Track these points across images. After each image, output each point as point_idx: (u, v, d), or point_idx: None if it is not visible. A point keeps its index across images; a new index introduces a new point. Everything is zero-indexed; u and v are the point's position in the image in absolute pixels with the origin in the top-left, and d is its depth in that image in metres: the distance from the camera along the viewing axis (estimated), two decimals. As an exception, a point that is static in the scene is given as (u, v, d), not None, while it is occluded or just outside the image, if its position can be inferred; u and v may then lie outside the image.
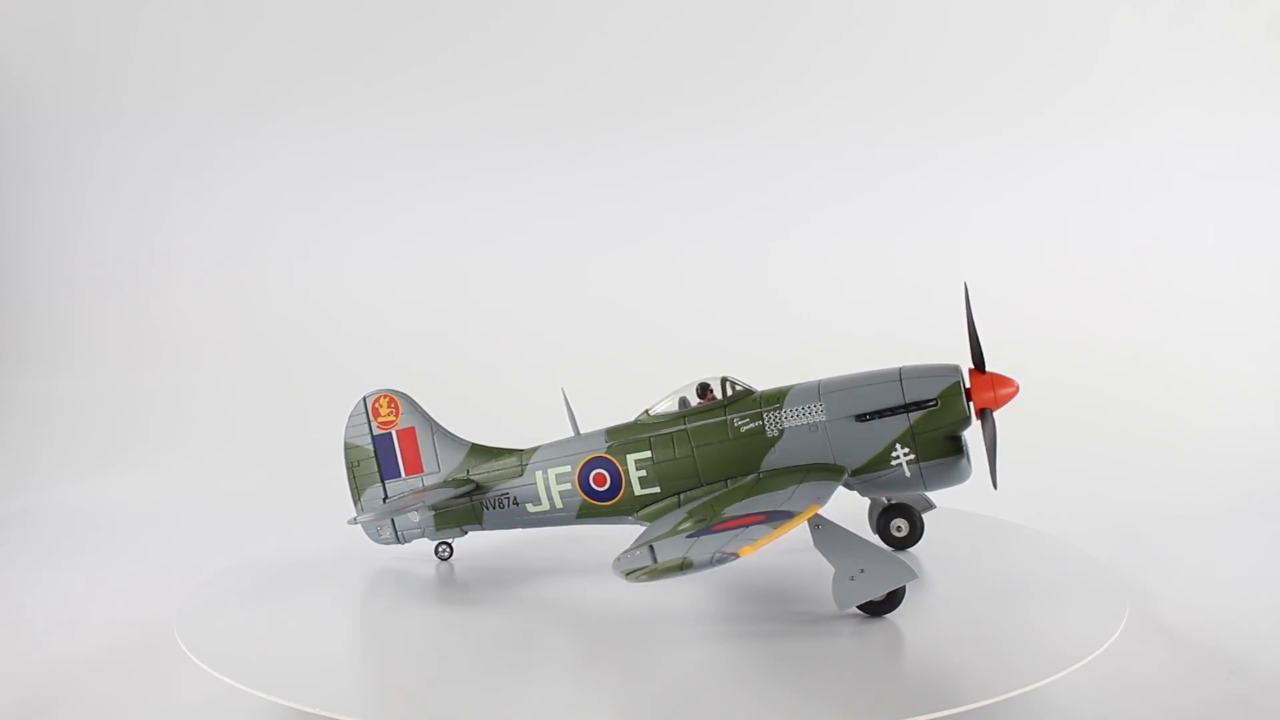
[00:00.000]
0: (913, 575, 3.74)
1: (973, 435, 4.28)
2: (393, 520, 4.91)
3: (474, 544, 5.14)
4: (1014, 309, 8.45)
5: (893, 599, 3.83)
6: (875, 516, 4.78)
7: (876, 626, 3.86)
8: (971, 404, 4.14)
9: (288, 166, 9.15)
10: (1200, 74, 8.67)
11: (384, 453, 5.10)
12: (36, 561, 6.39)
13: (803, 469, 4.21)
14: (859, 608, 3.77)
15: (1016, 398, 4.15)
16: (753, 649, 3.68)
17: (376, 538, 5.00)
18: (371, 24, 9.13)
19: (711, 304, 8.65)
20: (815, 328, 8.33)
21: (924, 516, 4.70)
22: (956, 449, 4.14)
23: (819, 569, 4.60)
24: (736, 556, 3.22)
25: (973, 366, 4.20)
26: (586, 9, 9.08)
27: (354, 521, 4.75)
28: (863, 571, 3.74)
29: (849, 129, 8.94)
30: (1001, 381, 4.16)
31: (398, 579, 4.78)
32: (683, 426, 4.41)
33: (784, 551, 4.85)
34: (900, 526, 4.67)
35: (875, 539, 4.69)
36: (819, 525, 3.86)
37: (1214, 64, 8.63)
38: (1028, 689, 3.25)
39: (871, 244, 8.80)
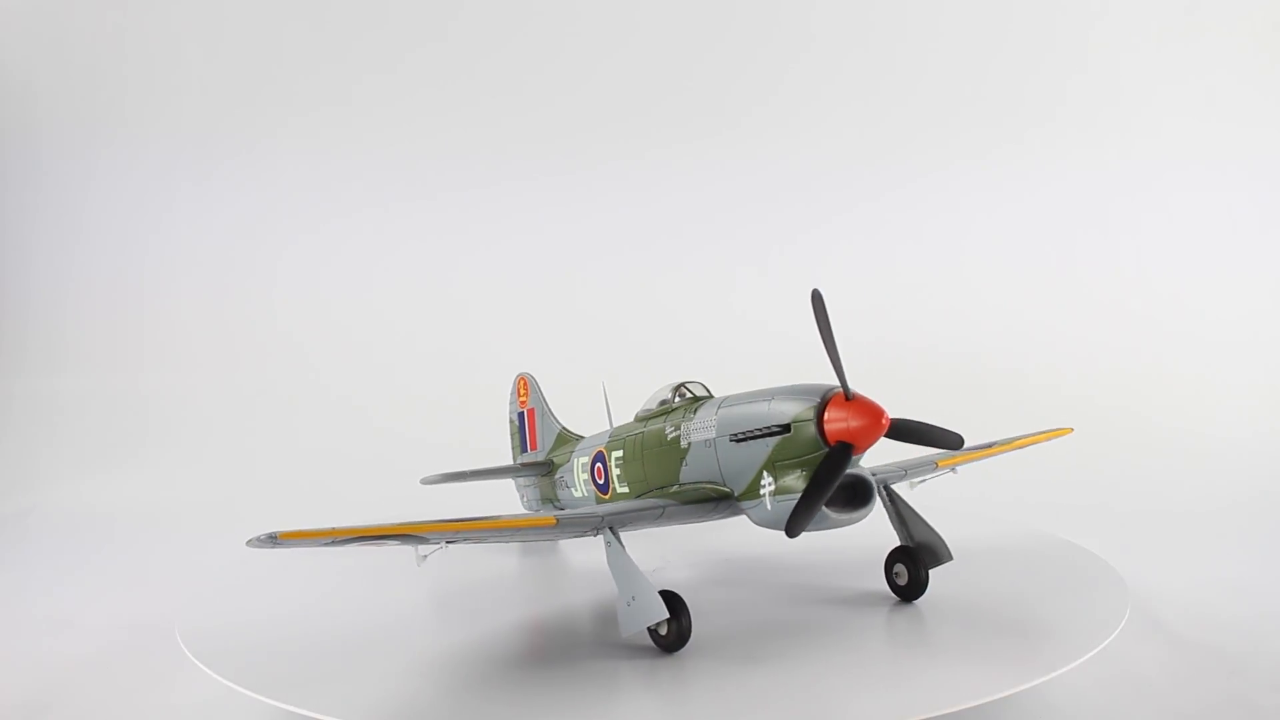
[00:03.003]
0: (660, 616, 3.56)
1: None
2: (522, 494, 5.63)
3: (475, 552, 5.17)
4: (1015, 317, 8.49)
5: (679, 638, 3.63)
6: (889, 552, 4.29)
7: (877, 625, 3.88)
8: (825, 435, 3.52)
9: (285, 178, 9.22)
10: (1200, 88, 8.70)
11: (521, 428, 5.92)
12: (36, 562, 6.40)
13: (692, 490, 3.99)
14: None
15: (881, 436, 3.45)
16: (750, 649, 3.69)
17: (521, 501, 5.66)
18: (361, 44, 9.20)
19: (693, 317, 8.69)
20: (805, 343, 8.35)
21: (937, 565, 4.16)
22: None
23: (817, 571, 4.60)
24: None
25: (839, 391, 3.54)
26: (571, 28, 9.15)
27: (426, 481, 5.29)
28: (633, 599, 3.65)
29: (835, 146, 8.98)
30: (864, 410, 3.46)
31: (398, 583, 4.78)
32: (641, 430, 4.38)
33: (785, 554, 4.89)
34: (900, 573, 4.15)
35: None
36: (610, 544, 3.75)
37: (1214, 78, 8.66)
38: (1027, 686, 3.25)
39: (865, 258, 8.84)
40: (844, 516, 3.59)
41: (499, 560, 5.03)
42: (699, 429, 3.95)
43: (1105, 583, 4.27)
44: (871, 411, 3.44)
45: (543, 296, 8.91)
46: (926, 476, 4.44)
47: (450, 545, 3.52)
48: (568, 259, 8.94)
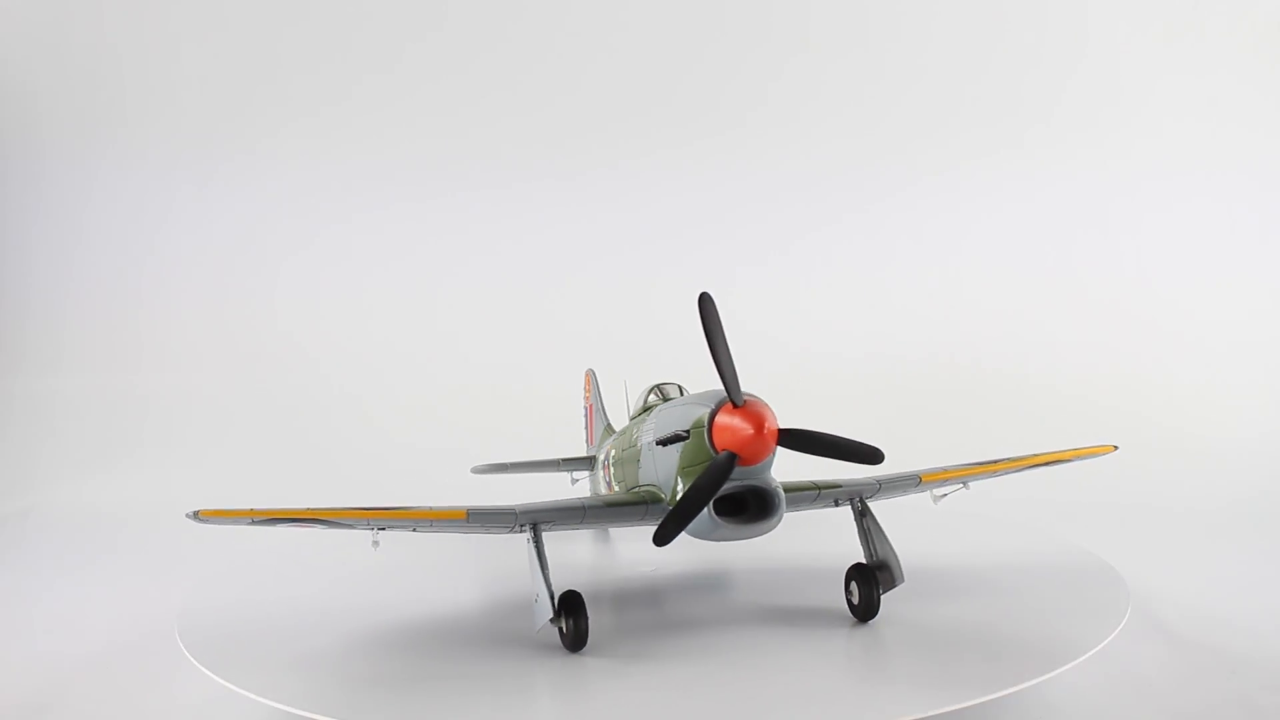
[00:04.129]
0: (546, 616, 3.68)
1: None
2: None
3: (476, 551, 5.19)
4: (1015, 320, 8.49)
5: (576, 638, 3.70)
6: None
7: (877, 624, 3.90)
8: (713, 443, 3.45)
9: (287, 178, 9.21)
10: (1200, 92, 8.71)
11: (585, 423, 6.21)
12: (36, 562, 6.39)
13: (624, 493, 4.07)
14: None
15: (768, 446, 3.33)
16: (749, 647, 3.71)
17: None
18: (362, 45, 9.20)
19: (684, 327, 8.65)
20: (798, 354, 8.43)
21: (892, 588, 4.04)
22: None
23: (815, 570, 4.59)
24: None
25: (728, 400, 3.42)
26: (556, 37, 9.16)
27: (476, 470, 5.72)
28: (537, 598, 3.77)
29: (832, 150, 8.98)
30: (748, 418, 3.34)
31: (398, 583, 4.78)
32: (623, 429, 4.51)
33: (784, 555, 4.89)
34: (853, 591, 4.03)
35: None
36: (529, 541, 3.87)
37: (1213, 82, 8.67)
38: (1027, 685, 3.26)
39: (862, 261, 8.85)
40: (741, 529, 3.53)
41: (501, 567, 4.99)
42: (646, 432, 4.00)
43: (1105, 582, 4.27)
44: (755, 420, 3.32)
45: (548, 295, 8.91)
46: (948, 490, 4.32)
47: (381, 533, 3.74)
48: (571, 259, 8.95)
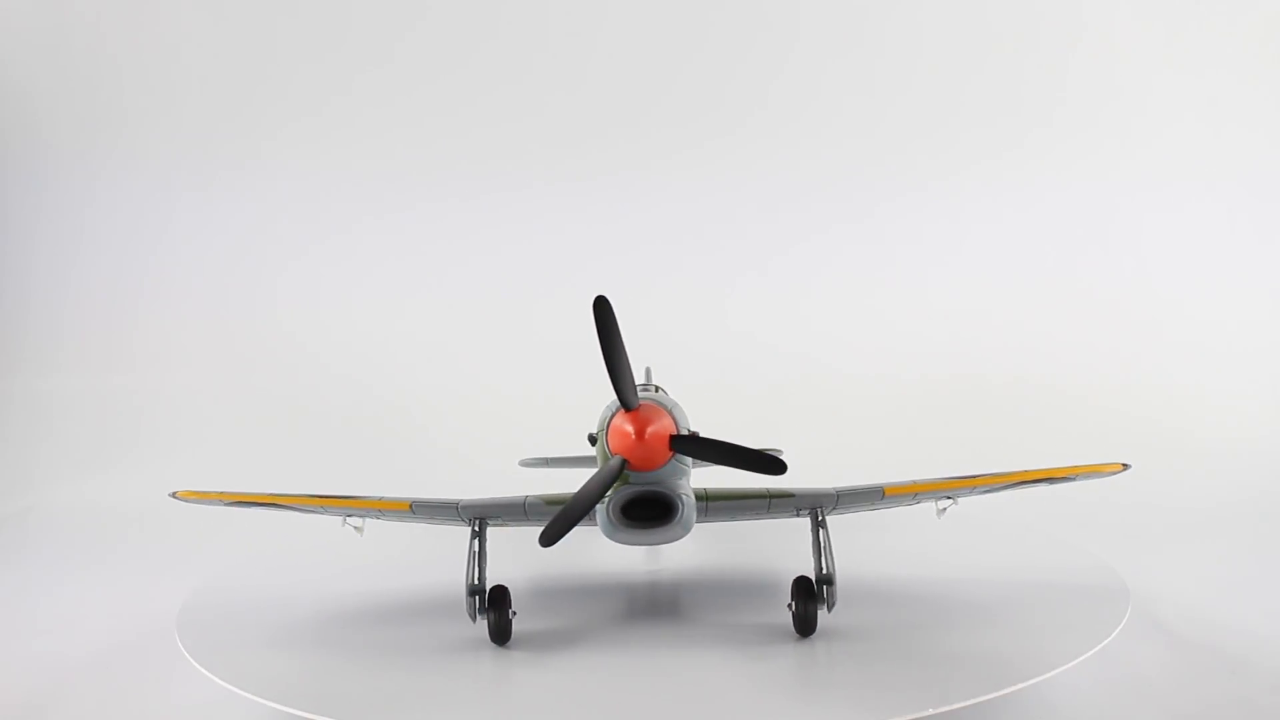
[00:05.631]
0: (469, 611, 3.92)
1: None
2: None
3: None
4: (1016, 325, 8.48)
5: (497, 631, 3.88)
6: None
7: (876, 622, 3.93)
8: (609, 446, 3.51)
9: (287, 180, 9.20)
10: (1200, 92, 8.70)
11: None
12: (36, 561, 6.39)
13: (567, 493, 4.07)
14: None
15: (653, 452, 3.37)
16: (749, 646, 3.74)
17: None
18: (361, 46, 9.20)
19: (686, 327, 8.65)
20: (793, 360, 8.44)
21: (827, 607, 3.96)
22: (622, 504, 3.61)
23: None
24: None
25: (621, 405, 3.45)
26: (542, 42, 9.14)
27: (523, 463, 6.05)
28: (466, 592, 3.97)
29: (831, 155, 8.96)
30: (634, 423, 3.39)
31: (396, 582, 4.79)
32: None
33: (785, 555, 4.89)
34: (791, 605, 3.94)
35: None
36: (472, 535, 4.04)
37: (1214, 81, 8.67)
38: (1026, 684, 3.26)
39: (862, 268, 8.84)
40: (641, 534, 3.70)
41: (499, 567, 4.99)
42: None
43: (1105, 582, 4.27)
44: (638, 425, 3.38)
45: (554, 295, 8.89)
46: (946, 505, 4.18)
47: (349, 520, 4.19)
48: (573, 264, 8.95)
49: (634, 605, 4.47)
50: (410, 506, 4.03)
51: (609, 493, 3.56)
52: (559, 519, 3.33)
